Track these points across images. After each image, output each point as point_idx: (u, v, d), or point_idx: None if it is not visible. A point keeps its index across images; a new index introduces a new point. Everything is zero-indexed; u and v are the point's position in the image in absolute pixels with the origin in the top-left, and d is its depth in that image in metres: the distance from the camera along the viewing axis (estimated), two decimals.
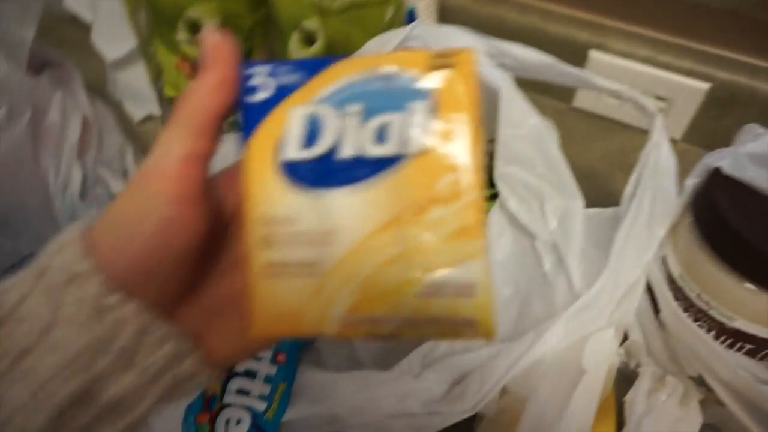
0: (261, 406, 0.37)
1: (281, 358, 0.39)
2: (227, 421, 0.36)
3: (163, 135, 0.21)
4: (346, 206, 0.20)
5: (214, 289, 0.23)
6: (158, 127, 0.57)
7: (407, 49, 0.39)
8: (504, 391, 0.34)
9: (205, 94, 0.21)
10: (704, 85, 0.56)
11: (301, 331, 0.21)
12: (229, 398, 0.37)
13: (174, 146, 0.20)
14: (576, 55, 0.59)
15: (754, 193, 0.31)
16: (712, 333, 0.33)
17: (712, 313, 0.32)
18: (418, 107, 0.20)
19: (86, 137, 0.39)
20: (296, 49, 0.44)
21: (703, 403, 0.35)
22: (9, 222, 0.34)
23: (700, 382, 0.35)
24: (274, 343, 0.23)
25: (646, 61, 0.57)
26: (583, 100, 0.64)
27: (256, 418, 0.36)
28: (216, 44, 0.21)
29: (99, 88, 0.44)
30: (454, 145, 0.19)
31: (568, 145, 0.63)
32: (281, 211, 0.20)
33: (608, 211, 0.39)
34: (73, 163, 0.37)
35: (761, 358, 0.32)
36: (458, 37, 0.37)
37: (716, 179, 0.33)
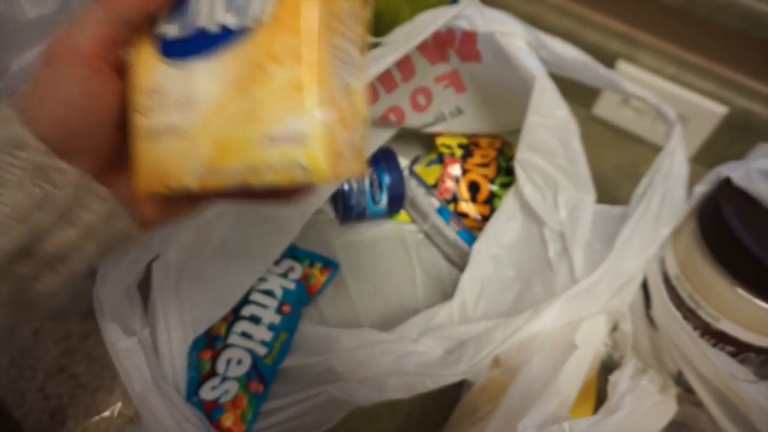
0: (262, 350, 0.39)
1: (286, 308, 0.41)
2: (228, 361, 0.38)
3: (83, 15, 0.22)
4: (204, 74, 0.23)
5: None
6: None
7: (455, 27, 0.41)
8: (496, 362, 0.36)
9: None
10: (722, 109, 0.57)
11: (175, 188, 0.23)
12: (232, 339, 0.39)
13: (93, 27, 0.22)
14: (605, 64, 0.60)
15: (760, 206, 0.33)
16: (698, 332, 0.34)
17: (701, 312, 0.34)
18: None
19: None
20: None
21: (678, 400, 0.37)
22: None
23: (678, 379, 0.37)
24: (194, 209, 0.27)
25: (671, 78, 0.59)
26: (602, 109, 0.65)
27: (256, 361, 0.38)
28: None
29: None
30: (302, 16, 0.22)
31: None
32: (155, 83, 0.23)
33: (617, 209, 0.40)
34: None
35: (739, 362, 0.34)
36: (505, 22, 0.39)
37: (725, 189, 0.34)
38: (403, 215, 0.50)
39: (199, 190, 0.23)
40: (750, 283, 0.32)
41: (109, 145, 0.23)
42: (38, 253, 0.22)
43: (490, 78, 0.47)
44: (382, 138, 0.47)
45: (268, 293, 0.41)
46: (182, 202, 0.26)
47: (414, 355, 0.35)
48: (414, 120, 0.48)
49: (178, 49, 0.23)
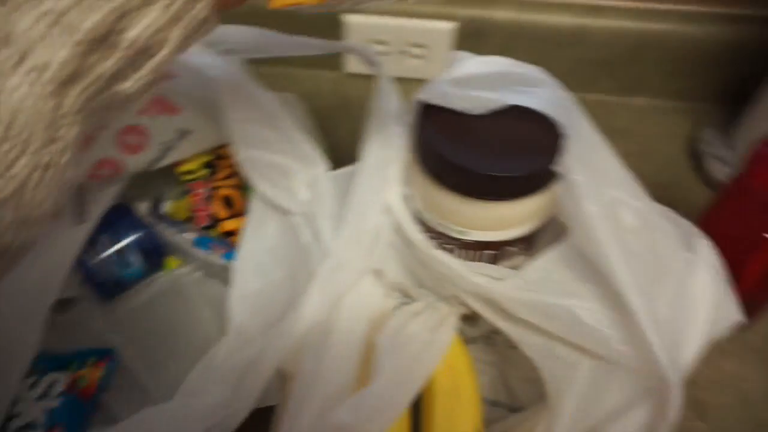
0: None
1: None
2: None
3: None
4: None
5: None
6: None
7: None
8: (288, 376, 0.33)
9: None
10: (450, 26, 0.58)
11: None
12: None
13: None
14: (331, 24, 0.59)
15: (455, 115, 0.33)
16: (462, 252, 0.34)
17: (452, 234, 0.33)
18: None
19: None
20: None
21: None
22: None
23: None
24: None
25: (399, 14, 0.58)
26: (355, 66, 0.64)
27: None
28: None
29: None
30: None
31: (348, 112, 0.63)
32: None
33: (352, 168, 0.39)
34: None
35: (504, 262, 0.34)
36: None
37: (426, 111, 0.34)
38: (172, 261, 0.45)
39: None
40: (471, 192, 0.31)
41: None
42: (119, 44, 0.19)
43: (193, 88, 0.43)
44: (105, 198, 0.42)
45: (29, 427, 0.34)
46: None
47: (197, 412, 0.32)
48: (135, 163, 0.43)
49: None
